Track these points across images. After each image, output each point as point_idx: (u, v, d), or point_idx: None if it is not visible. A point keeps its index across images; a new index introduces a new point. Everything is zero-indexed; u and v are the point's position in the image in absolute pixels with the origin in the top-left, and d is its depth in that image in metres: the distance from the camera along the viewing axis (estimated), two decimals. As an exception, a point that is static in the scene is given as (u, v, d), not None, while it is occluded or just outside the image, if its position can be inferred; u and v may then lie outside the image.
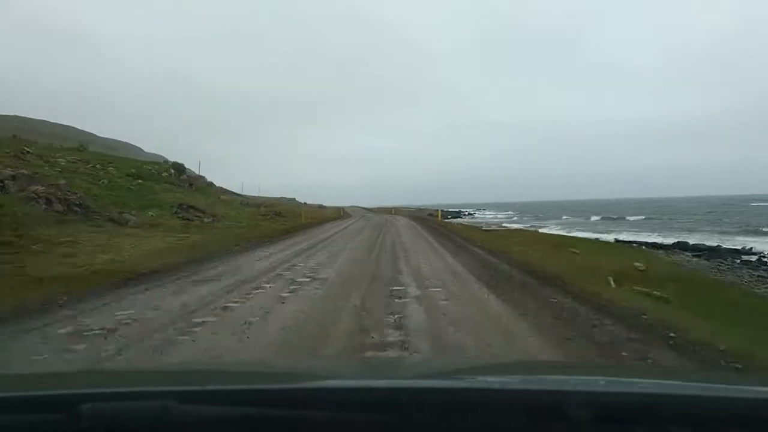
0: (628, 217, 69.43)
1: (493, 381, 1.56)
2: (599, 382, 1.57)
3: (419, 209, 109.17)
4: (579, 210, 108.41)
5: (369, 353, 5.48)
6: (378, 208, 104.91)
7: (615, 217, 71.88)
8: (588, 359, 5.20)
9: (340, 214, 65.03)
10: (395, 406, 1.14)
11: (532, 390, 1.34)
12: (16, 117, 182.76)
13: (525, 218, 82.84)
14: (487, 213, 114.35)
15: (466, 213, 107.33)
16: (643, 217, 69.54)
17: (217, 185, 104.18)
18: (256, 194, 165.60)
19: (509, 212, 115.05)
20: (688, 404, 1.15)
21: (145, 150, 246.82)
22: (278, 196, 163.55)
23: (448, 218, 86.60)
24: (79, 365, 5.14)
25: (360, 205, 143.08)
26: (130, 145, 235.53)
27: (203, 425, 1.09)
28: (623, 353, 5.55)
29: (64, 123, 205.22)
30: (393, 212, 72.00)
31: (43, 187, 19.67)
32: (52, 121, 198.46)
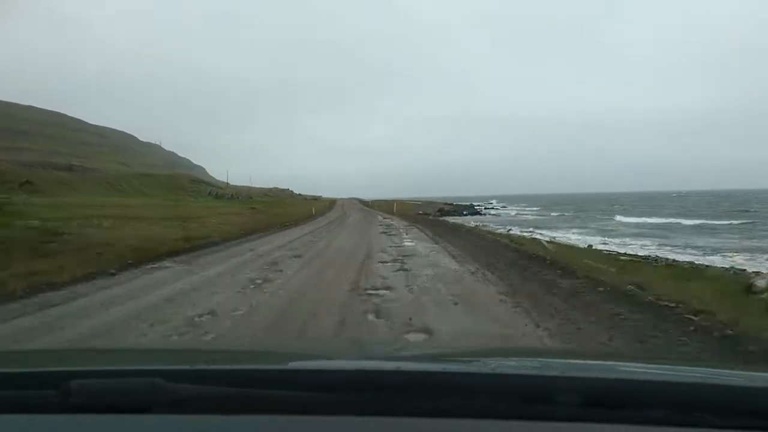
0: (726, 221, 45.79)
1: (485, 365, 1.50)
2: (589, 368, 1.55)
3: (428, 203, 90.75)
4: (611, 205, 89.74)
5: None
6: (374, 202, 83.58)
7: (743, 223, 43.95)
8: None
9: (311, 212, 42.21)
10: (386, 388, 1.14)
11: (523, 374, 1.33)
12: (1, 102, 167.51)
13: (567, 216, 63.69)
14: (508, 209, 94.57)
15: (483, 208, 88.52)
16: (745, 220, 47.09)
17: (196, 173, 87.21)
18: (246, 184, 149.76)
19: (531, 207, 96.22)
20: (676, 391, 1.13)
21: (140, 138, 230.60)
22: (271, 187, 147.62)
23: (464, 214, 68.35)
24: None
25: (360, 197, 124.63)
26: (123, 132, 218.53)
27: (191, 403, 1.08)
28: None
29: (52, 109, 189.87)
30: (395, 208, 50.57)
31: None
32: (38, 107, 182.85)
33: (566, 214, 67.53)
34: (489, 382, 1.18)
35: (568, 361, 1.82)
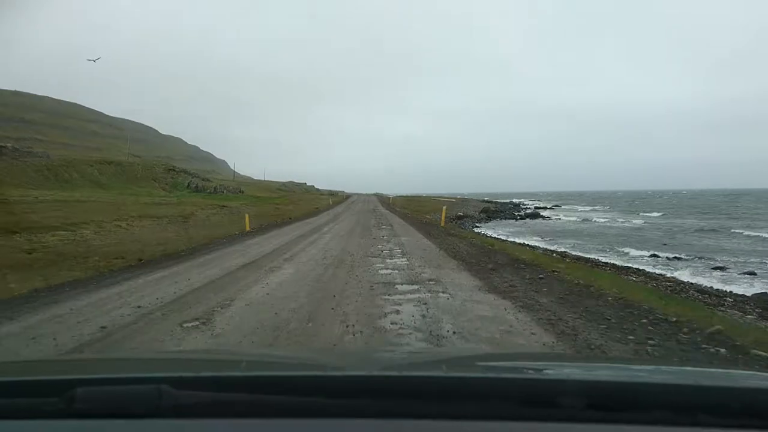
0: None
1: (487, 369, 1.49)
2: (590, 371, 1.53)
3: (463, 199, 72.55)
4: (706, 207, 70.10)
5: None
6: (396, 200, 59.86)
7: None
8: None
9: (272, 221, 22.24)
10: (389, 392, 1.11)
11: (524, 378, 1.30)
12: (15, 92, 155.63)
13: (675, 221, 43.07)
14: (563, 210, 72.87)
15: (532, 207, 69.29)
16: None
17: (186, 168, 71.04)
18: (261, 178, 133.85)
19: (585, 207, 76.66)
20: (675, 392, 1.11)
21: (161, 132, 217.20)
22: (285, 181, 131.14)
23: (517, 217, 49.83)
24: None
25: (385, 193, 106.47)
26: (142, 125, 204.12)
27: (196, 410, 1.05)
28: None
29: (69, 100, 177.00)
30: (442, 219, 24.35)
31: None
32: (54, 97, 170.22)
33: (662, 218, 48.45)
34: (491, 386, 1.15)
35: (568, 364, 1.74)
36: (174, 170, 53.97)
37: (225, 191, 51.09)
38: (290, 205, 44.56)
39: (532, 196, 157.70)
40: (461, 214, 43.14)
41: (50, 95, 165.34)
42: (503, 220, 42.72)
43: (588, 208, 70.18)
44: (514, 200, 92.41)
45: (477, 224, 37.75)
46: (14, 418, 1.06)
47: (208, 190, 49.74)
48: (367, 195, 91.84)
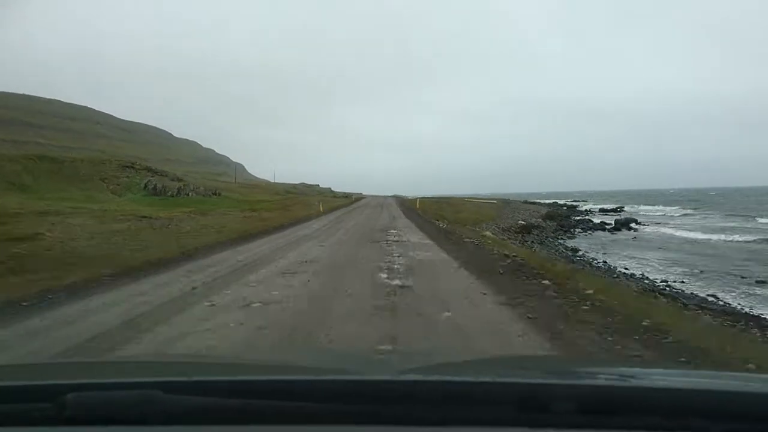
0: None
1: (482, 374, 1.43)
2: (584, 375, 1.50)
3: (505, 201, 57.29)
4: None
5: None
6: (424, 204, 40.76)
7: None
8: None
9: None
10: (384, 397, 1.07)
11: (519, 382, 1.26)
12: (23, 96, 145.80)
13: None
14: (640, 212, 54.06)
15: (592, 210, 53.09)
16: None
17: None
18: (270, 179, 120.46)
19: (658, 208, 60.46)
20: (669, 396, 1.08)
21: (175, 135, 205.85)
22: (297, 183, 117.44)
23: (606, 228, 33.27)
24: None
25: (405, 195, 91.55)
26: (155, 128, 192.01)
27: (187, 414, 1.03)
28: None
29: (77, 103, 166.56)
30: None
31: None
32: (62, 100, 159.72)
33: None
34: (486, 391, 1.11)
35: (563, 368, 1.69)
36: (133, 167, 40.47)
37: (192, 193, 37.40)
38: (276, 211, 32.24)
39: (561, 195, 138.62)
40: (523, 222, 28.64)
41: (62, 99, 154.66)
42: (591, 232, 27.95)
43: (661, 211, 54.40)
44: (557, 201, 76.82)
45: (561, 239, 23.15)
46: (3, 425, 1.02)
47: (170, 193, 35.97)
48: (384, 197, 75.74)
